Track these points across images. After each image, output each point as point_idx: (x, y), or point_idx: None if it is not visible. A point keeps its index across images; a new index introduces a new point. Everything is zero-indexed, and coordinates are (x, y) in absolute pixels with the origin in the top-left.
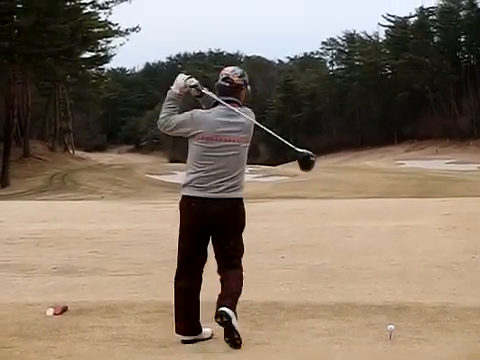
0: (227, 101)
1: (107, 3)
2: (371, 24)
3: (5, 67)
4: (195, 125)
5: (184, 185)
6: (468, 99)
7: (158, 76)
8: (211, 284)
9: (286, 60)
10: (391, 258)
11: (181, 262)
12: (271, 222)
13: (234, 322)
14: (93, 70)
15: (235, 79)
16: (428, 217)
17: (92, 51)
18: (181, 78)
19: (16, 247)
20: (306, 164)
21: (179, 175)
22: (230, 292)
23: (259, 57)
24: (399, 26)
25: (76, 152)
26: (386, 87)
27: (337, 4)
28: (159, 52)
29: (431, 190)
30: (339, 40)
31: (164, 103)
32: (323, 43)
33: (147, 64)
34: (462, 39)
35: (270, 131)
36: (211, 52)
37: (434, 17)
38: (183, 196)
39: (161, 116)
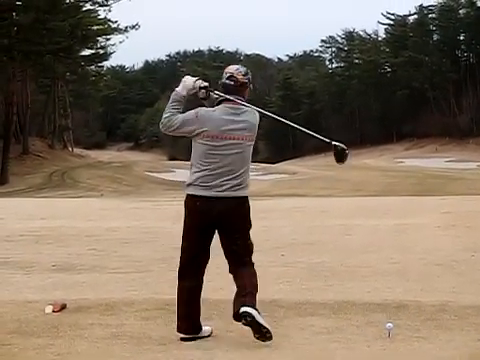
0: (232, 100)
1: (106, 0)
2: (370, 22)
3: (4, 64)
4: (200, 123)
5: (189, 184)
6: (467, 97)
7: (157, 74)
8: (207, 282)
9: (285, 58)
10: (390, 256)
11: (185, 261)
12: (270, 220)
13: (259, 318)
14: (92, 67)
15: (239, 77)
16: (427, 215)
17: (91, 48)
18: (190, 80)
19: (15, 244)
20: (342, 156)
21: (178, 173)
22: (245, 291)
23: (258, 55)
24: (398, 24)
25: (75, 149)
26: (385, 85)
27: (337, 2)
28: (158, 50)
29: (430, 188)
30: (338, 38)
31: (168, 104)
32: (322, 41)
33: (146, 62)
34: (461, 37)
35: (296, 126)
36: (210, 50)
37: (433, 15)
38: (188, 195)
39: (164, 116)
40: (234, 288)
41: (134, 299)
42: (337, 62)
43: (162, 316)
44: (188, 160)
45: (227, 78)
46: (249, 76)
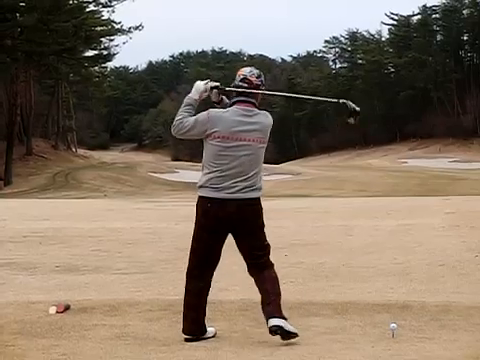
0: (244, 102)
1: (110, 1)
2: (374, 23)
3: (8, 65)
4: (212, 124)
5: (200, 186)
6: (471, 98)
7: (161, 74)
8: (212, 283)
9: (289, 59)
10: (394, 257)
11: (193, 262)
12: (274, 220)
13: (287, 327)
14: (96, 68)
15: (253, 80)
16: (431, 216)
17: (95, 49)
18: (201, 83)
19: (19, 245)
20: (352, 114)
21: (182, 173)
22: (269, 299)
23: (262, 55)
24: (402, 25)
25: (79, 150)
26: (389, 85)
27: (340, 3)
28: (162, 50)
29: (434, 189)
30: (342, 38)
31: (181, 108)
32: (326, 42)
33: (150, 62)
34: (465, 37)
35: (304, 96)
36: (214, 51)
37: (437, 15)
38: (199, 197)
39: (176, 119)
40: (238, 289)
41: (138, 300)
42: (341, 62)
43: (166, 317)
44: (191, 161)
45: (240, 80)
46: (262, 78)
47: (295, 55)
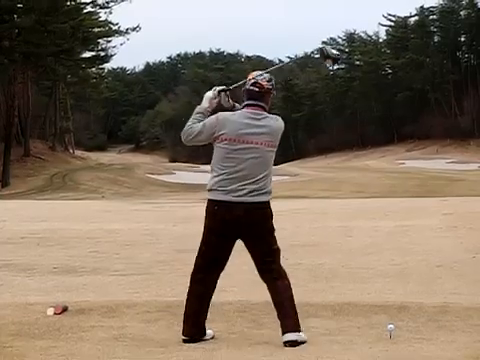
0: (254, 105)
1: (107, 2)
2: (371, 24)
3: (5, 67)
4: (220, 126)
5: (209, 189)
6: (469, 99)
7: (158, 76)
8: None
9: (286, 60)
10: (392, 258)
11: (199, 265)
12: None
13: (301, 340)
14: (93, 70)
15: (264, 84)
16: (429, 217)
17: (92, 51)
18: (209, 92)
19: (17, 247)
20: (331, 56)
21: (179, 175)
22: (286, 313)
23: (259, 57)
24: (399, 26)
25: (76, 152)
26: (386, 87)
27: (337, 3)
28: (159, 52)
29: (432, 190)
30: (339, 40)
31: (192, 116)
32: (323, 43)
33: (147, 64)
34: (462, 39)
35: (282, 64)
36: (211, 52)
37: (434, 17)
38: (208, 200)
39: (187, 125)
40: (236, 290)
41: (136, 301)
42: (338, 64)
43: (164, 318)
44: (189, 162)
45: (251, 84)
46: (273, 82)
47: (292, 56)
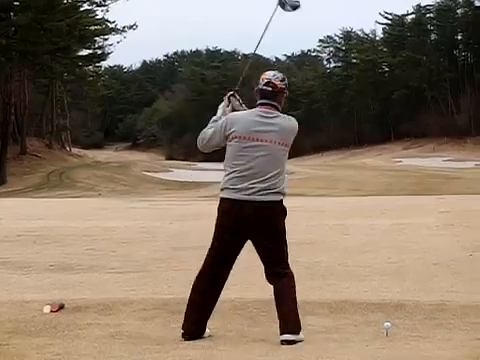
0: (266, 104)
1: (104, 0)
2: (368, 22)
3: (2, 65)
4: (230, 125)
5: (222, 188)
6: (465, 97)
7: (155, 73)
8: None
9: (283, 58)
10: (388, 256)
11: (211, 262)
12: None
13: (298, 339)
14: (90, 68)
15: (277, 83)
16: (425, 215)
17: (89, 49)
18: (222, 103)
19: (13, 244)
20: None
21: (176, 172)
22: (285, 312)
23: (256, 55)
24: (396, 24)
25: (73, 149)
26: (383, 85)
27: (334, 2)
28: (156, 50)
29: (428, 188)
30: (336, 38)
31: (208, 124)
32: (320, 41)
33: (144, 62)
34: (459, 37)
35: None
36: (208, 50)
37: (431, 15)
38: (221, 198)
39: (201, 132)
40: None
41: (132, 299)
42: (335, 62)
43: (160, 316)
44: (186, 160)
45: (264, 84)
46: (286, 81)
47: (289, 54)
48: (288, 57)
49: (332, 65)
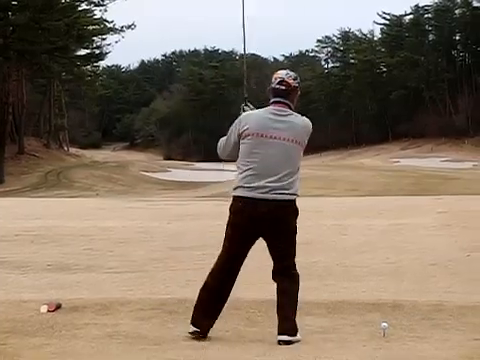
0: (279, 103)
1: (102, 0)
2: (366, 22)
3: (0, 64)
4: (243, 123)
5: (235, 187)
6: (463, 97)
7: (153, 73)
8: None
9: (281, 58)
10: (386, 256)
11: (224, 262)
12: None
13: (295, 340)
14: (88, 67)
15: (291, 82)
16: (423, 215)
17: (87, 48)
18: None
19: (11, 244)
20: None
21: (174, 172)
22: (285, 314)
23: (254, 55)
24: (394, 24)
25: (71, 149)
26: (381, 85)
27: (332, 2)
28: (154, 49)
29: (426, 188)
30: (334, 38)
31: None
32: (318, 41)
33: (142, 61)
34: (457, 37)
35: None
36: (206, 50)
37: (429, 15)
38: (234, 197)
39: (220, 140)
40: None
41: (129, 299)
42: (333, 62)
43: (157, 316)
44: (184, 160)
45: (278, 83)
46: (298, 80)
47: (287, 54)
48: (286, 57)
49: (330, 65)
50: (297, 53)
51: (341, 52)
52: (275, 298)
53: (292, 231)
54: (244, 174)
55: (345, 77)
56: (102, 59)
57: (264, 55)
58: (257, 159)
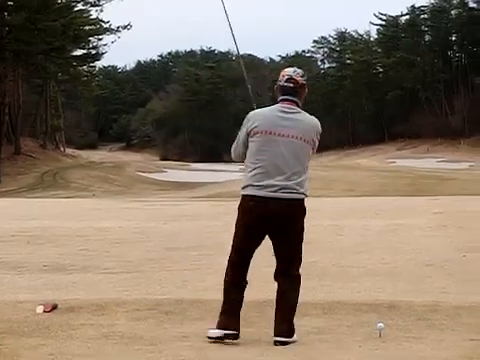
0: (287, 100)
1: (98, 0)
2: (362, 23)
3: None
4: (252, 122)
5: (244, 186)
6: (459, 98)
7: (149, 74)
8: (198, 283)
9: (277, 58)
10: (382, 257)
11: (235, 262)
12: None
13: (291, 340)
14: (84, 68)
15: (299, 79)
16: (419, 215)
17: (83, 49)
18: None
19: (7, 245)
20: None
21: (170, 173)
22: (283, 316)
23: (250, 55)
24: (390, 25)
25: (67, 150)
26: (377, 86)
27: (328, 3)
28: (150, 50)
29: (422, 188)
30: (330, 38)
31: None
32: (314, 41)
33: (138, 62)
34: (453, 38)
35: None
36: (202, 50)
37: (425, 16)
38: (242, 196)
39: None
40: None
41: (125, 299)
42: (329, 62)
43: (153, 316)
44: (180, 160)
45: (286, 81)
46: (306, 77)
47: (284, 55)
48: (282, 58)
49: (326, 66)
50: (293, 53)
51: (337, 52)
52: (272, 298)
53: (300, 230)
54: (253, 172)
55: (341, 77)
56: (98, 59)
57: (260, 55)
58: (266, 157)
